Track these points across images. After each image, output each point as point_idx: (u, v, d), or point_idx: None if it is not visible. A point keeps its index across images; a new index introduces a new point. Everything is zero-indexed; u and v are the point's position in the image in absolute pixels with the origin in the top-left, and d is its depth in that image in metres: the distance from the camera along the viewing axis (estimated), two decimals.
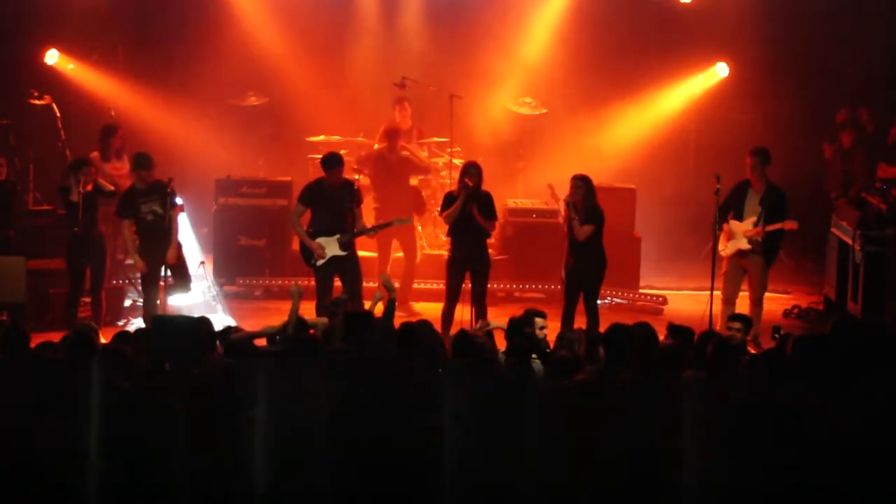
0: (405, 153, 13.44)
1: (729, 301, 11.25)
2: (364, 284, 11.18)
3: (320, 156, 14.50)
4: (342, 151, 14.55)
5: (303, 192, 11.30)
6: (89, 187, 11.67)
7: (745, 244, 11.12)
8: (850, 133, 15.33)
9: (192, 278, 11.89)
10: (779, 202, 11.14)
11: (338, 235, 10.96)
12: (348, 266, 11.04)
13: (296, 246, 14.12)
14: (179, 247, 11.58)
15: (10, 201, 12.26)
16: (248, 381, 6.59)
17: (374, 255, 13.17)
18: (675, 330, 8.06)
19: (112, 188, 12.25)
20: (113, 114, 14.90)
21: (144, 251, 11.41)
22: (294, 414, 6.44)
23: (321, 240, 11.00)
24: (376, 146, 13.74)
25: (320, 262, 11.01)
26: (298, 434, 6.40)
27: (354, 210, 11.11)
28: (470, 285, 11.19)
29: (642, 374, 6.95)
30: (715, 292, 11.26)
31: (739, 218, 11.14)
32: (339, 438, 6.40)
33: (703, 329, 8.89)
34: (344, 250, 11.02)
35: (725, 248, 11.24)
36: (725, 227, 11.18)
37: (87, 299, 12.02)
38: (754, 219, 11.13)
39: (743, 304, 11.34)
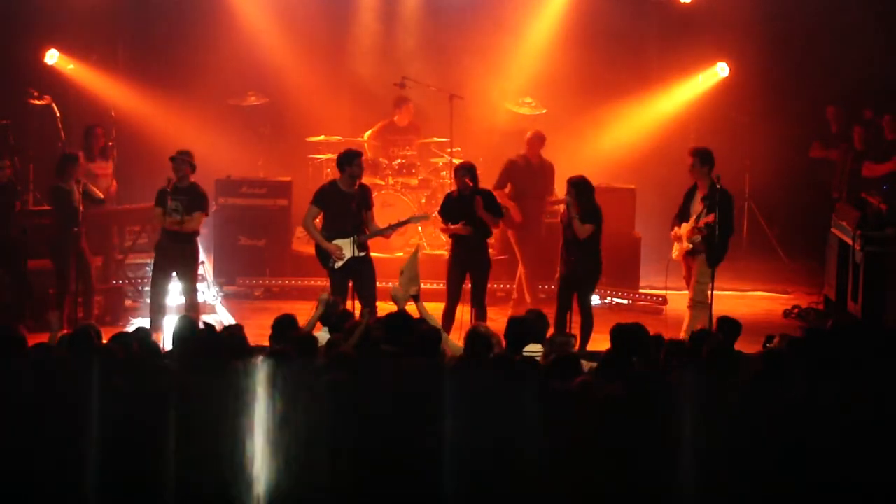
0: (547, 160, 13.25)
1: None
2: (378, 284, 11.17)
3: (320, 156, 14.72)
4: None
5: (316, 194, 11.23)
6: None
7: (687, 245, 11.06)
8: (861, 133, 15.31)
9: (200, 279, 11.84)
10: (720, 201, 10.81)
11: (354, 237, 10.96)
12: (364, 268, 11.03)
13: (296, 246, 14.20)
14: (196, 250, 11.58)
15: (13, 202, 12.26)
16: (249, 382, 6.59)
17: (387, 256, 13.18)
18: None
19: (101, 196, 12.22)
20: (113, 114, 14.90)
21: (158, 246, 11.45)
22: (296, 416, 6.44)
23: (337, 242, 10.99)
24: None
25: (338, 263, 11.00)
26: (300, 436, 6.40)
27: (366, 213, 11.11)
28: (470, 286, 11.21)
29: (642, 375, 6.98)
30: (717, 292, 11.19)
31: (686, 219, 11.08)
32: (340, 440, 6.40)
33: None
34: (361, 251, 11.03)
35: (675, 252, 11.20)
36: (675, 231, 11.12)
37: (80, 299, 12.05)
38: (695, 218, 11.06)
39: (728, 307, 11.21)
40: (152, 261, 11.67)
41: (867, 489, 6.34)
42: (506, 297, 13.67)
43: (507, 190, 12.92)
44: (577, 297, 11.08)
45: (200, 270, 13.62)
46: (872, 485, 6.35)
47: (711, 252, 10.83)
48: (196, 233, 11.43)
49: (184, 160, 11.41)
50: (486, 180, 11.46)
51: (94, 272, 12.14)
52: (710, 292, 10.89)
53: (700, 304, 10.95)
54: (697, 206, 10.98)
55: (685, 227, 11.03)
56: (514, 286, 13.13)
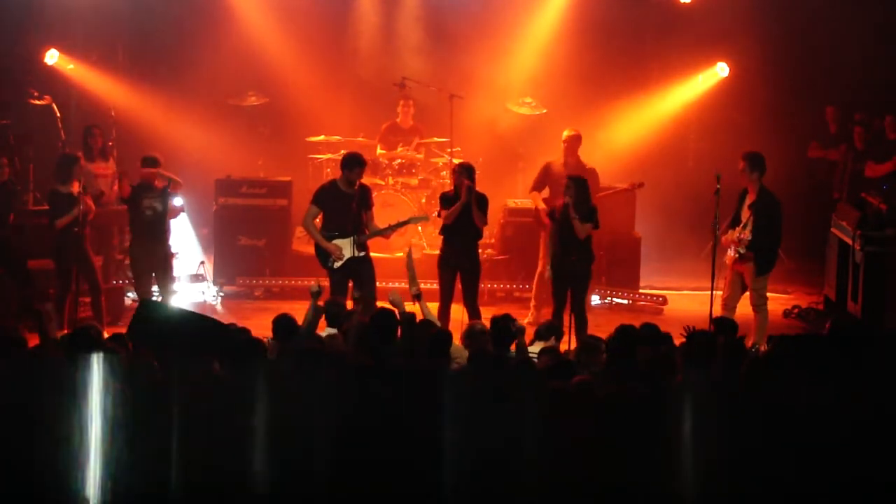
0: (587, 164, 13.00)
1: (727, 307, 11.17)
2: (378, 284, 11.18)
3: (320, 156, 14.72)
4: (341, 151, 14.68)
5: (316, 194, 11.25)
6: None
7: (735, 253, 11.06)
8: (861, 133, 15.31)
9: (177, 279, 11.95)
10: (767, 209, 10.95)
11: (353, 237, 10.96)
12: (364, 268, 11.05)
13: (296, 246, 14.20)
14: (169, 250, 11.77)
15: (11, 202, 12.25)
16: (250, 381, 6.58)
17: (387, 256, 13.17)
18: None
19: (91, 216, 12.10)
20: (113, 114, 14.90)
21: (135, 248, 11.59)
22: (296, 416, 6.44)
23: (337, 242, 11.00)
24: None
25: (337, 263, 11.01)
26: (300, 437, 6.40)
27: (366, 213, 11.11)
28: (461, 286, 11.19)
29: (644, 375, 6.98)
30: (716, 292, 11.20)
31: (738, 224, 11.08)
32: (340, 441, 6.40)
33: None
34: (360, 251, 11.04)
35: (727, 257, 11.20)
36: (728, 235, 11.10)
37: (87, 298, 12.05)
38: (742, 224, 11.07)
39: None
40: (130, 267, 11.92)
41: (867, 489, 6.33)
42: (506, 297, 13.69)
43: (545, 194, 12.82)
44: (572, 296, 11.06)
45: (200, 270, 13.68)
46: (873, 485, 6.34)
47: (761, 261, 10.98)
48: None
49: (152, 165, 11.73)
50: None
51: (98, 272, 12.14)
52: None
53: (759, 307, 11.11)
54: (746, 212, 10.97)
55: (735, 234, 11.00)
56: (532, 291, 12.90)
